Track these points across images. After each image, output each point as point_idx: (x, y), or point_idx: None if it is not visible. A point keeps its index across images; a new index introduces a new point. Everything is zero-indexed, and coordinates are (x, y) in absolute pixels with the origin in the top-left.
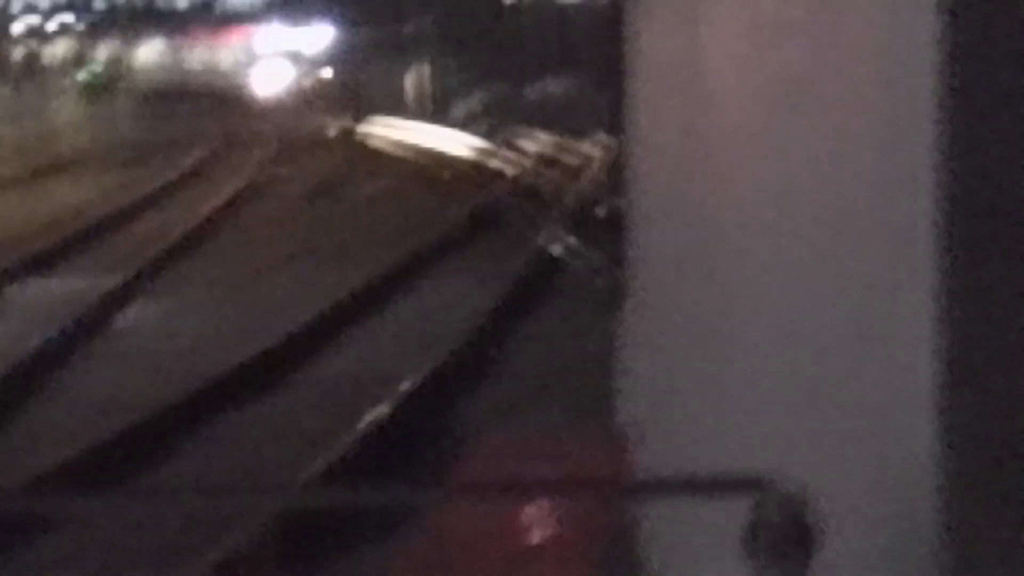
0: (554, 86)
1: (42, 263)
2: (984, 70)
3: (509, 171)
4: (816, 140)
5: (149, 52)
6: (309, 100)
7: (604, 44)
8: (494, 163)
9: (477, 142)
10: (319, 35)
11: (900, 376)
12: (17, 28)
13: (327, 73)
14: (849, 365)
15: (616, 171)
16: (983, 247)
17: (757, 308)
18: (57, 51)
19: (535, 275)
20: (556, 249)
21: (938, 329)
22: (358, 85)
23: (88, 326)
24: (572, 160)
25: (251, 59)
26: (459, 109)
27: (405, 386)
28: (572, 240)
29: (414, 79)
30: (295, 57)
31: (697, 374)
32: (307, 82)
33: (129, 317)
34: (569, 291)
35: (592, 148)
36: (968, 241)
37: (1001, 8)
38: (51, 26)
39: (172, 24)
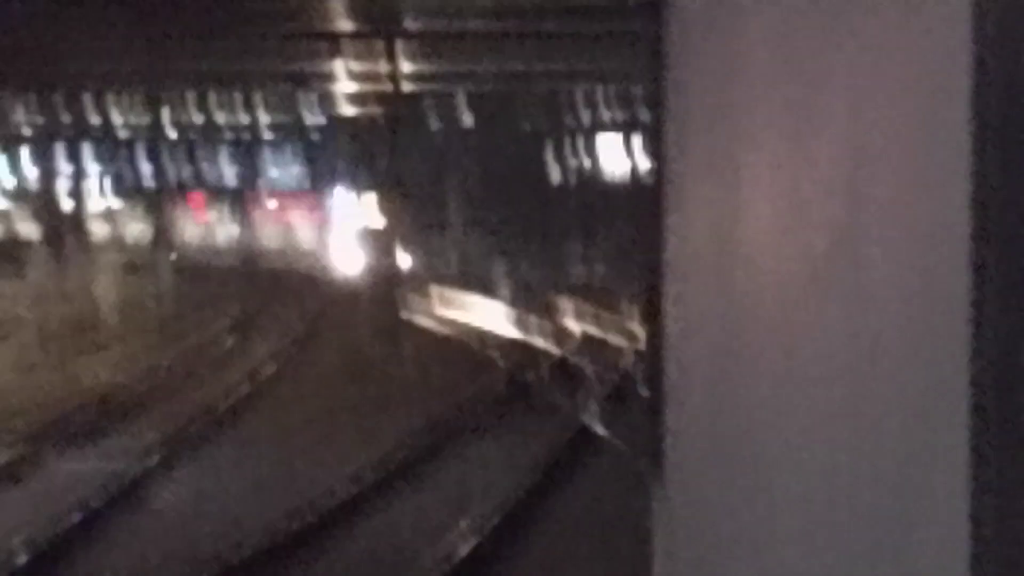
0: (596, 258)
1: (82, 438)
2: (1016, 237)
3: (549, 346)
4: (854, 306)
5: (195, 226)
6: (354, 271)
7: (645, 217)
8: (535, 337)
9: (518, 314)
10: (364, 206)
11: (936, 564)
12: (67, 205)
13: (372, 245)
14: (887, 551)
15: (654, 347)
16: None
17: (797, 489)
18: (111, 226)
19: (572, 451)
20: (594, 425)
21: (972, 529)
22: (399, 255)
23: (125, 499)
24: (612, 335)
25: (290, 231)
26: (501, 281)
27: (437, 557)
28: (610, 416)
29: (456, 248)
30: (340, 228)
31: (733, 558)
32: (352, 254)
33: (165, 490)
34: (606, 468)
35: (633, 322)
36: (1008, 419)
37: None
38: (100, 202)
39: (222, 197)
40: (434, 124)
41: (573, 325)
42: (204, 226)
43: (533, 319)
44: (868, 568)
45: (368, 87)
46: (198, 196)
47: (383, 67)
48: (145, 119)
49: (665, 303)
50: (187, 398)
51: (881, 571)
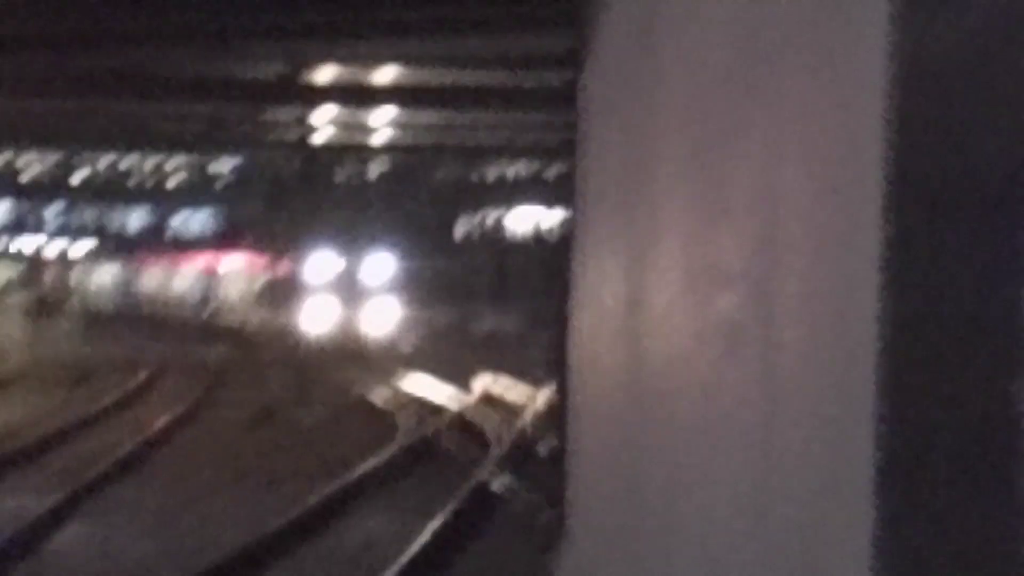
0: (501, 322)
1: None
2: (924, 294)
3: (452, 405)
4: (751, 382)
5: (100, 274)
6: (264, 324)
7: (551, 283)
8: (437, 397)
9: (420, 375)
10: (275, 257)
11: None
12: None
13: (281, 297)
14: None
15: (557, 411)
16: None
17: (695, 548)
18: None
19: (474, 511)
20: (496, 486)
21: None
22: (308, 309)
23: (21, 546)
24: (515, 397)
25: (198, 285)
26: (408, 337)
27: None
28: (512, 477)
29: (365, 303)
30: (249, 280)
31: None
32: (262, 307)
33: (63, 538)
34: (507, 528)
35: (535, 386)
36: (905, 496)
37: (943, 271)
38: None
39: (124, 247)
40: (343, 177)
41: (479, 384)
42: (114, 275)
43: (439, 378)
44: None
45: (281, 138)
46: (105, 245)
47: (296, 117)
48: (54, 171)
49: (572, 360)
50: (89, 444)
51: None
